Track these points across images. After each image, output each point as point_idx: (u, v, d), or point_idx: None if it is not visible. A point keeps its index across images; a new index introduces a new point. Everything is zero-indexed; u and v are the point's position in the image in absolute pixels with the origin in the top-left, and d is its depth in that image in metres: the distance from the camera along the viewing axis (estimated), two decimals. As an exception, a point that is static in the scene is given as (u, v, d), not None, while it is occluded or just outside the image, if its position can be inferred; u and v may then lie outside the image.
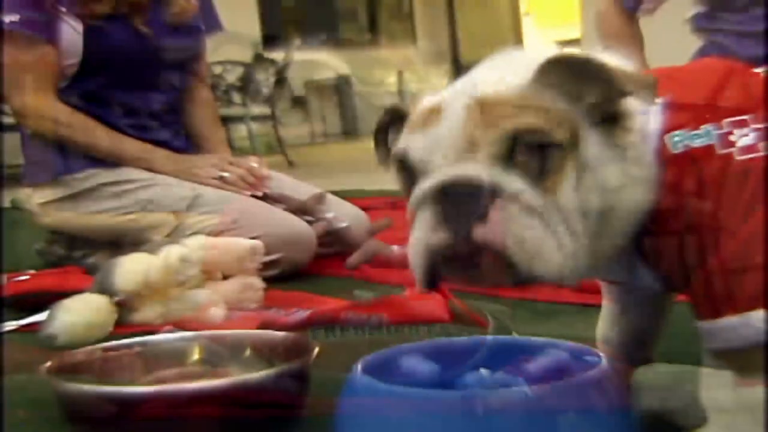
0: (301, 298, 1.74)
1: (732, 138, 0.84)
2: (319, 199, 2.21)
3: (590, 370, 0.87)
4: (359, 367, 0.91)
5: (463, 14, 13.28)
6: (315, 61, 11.58)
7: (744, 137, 0.84)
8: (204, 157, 2.28)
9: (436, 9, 13.36)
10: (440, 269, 0.81)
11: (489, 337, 1.06)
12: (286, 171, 6.58)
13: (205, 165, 2.22)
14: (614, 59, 0.86)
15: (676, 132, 0.85)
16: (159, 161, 2.21)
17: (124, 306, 1.56)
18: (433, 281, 0.83)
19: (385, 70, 11.75)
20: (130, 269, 1.57)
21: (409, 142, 0.83)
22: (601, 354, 0.93)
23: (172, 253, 1.59)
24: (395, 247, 2.14)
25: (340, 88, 12.49)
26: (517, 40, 12.95)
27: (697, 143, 0.84)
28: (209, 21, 2.48)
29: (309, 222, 2.14)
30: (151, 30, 2.23)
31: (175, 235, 1.98)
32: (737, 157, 0.83)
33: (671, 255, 0.87)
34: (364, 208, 2.59)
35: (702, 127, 0.85)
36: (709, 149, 0.84)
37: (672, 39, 3.28)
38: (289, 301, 1.68)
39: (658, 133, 0.86)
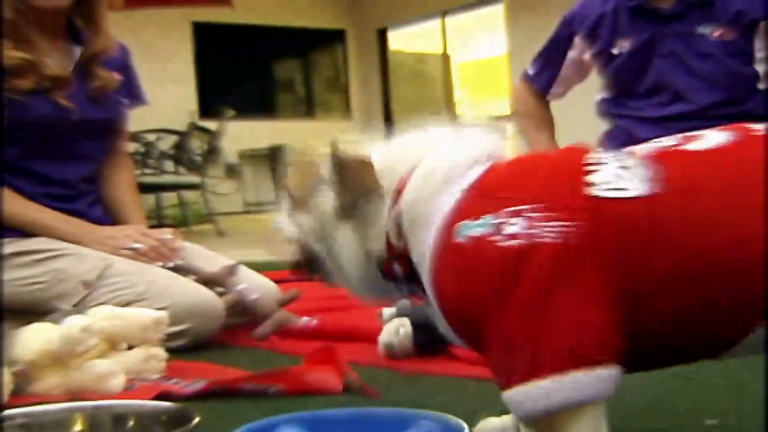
0: (203, 368, 1.77)
1: (503, 226, 0.90)
2: (231, 270, 2.24)
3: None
4: (234, 436, 0.96)
5: (397, 87, 13.52)
6: (250, 131, 11.64)
7: (512, 225, 0.90)
8: (117, 227, 2.30)
9: (371, 82, 13.59)
10: None
11: (365, 410, 1.11)
12: (216, 240, 6.61)
13: (118, 235, 2.24)
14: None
15: (465, 221, 0.93)
16: (72, 231, 2.22)
17: (22, 376, 1.57)
18: None
19: (320, 141, 11.86)
20: (30, 339, 1.58)
21: None
22: (464, 424, 0.99)
23: (73, 323, 1.61)
24: (305, 319, 2.19)
25: (274, 157, 12.55)
26: (450, 113, 13.21)
27: (475, 232, 0.91)
28: (133, 94, 2.51)
29: (220, 293, 2.17)
30: (72, 104, 2.26)
31: (83, 306, 1.99)
32: (498, 244, 0.90)
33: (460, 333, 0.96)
34: (281, 280, 2.63)
35: (482, 216, 0.92)
36: (481, 238, 0.91)
37: (582, 121, 3.42)
38: (190, 371, 1.71)
39: (448, 220, 0.94)
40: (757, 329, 0.88)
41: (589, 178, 0.92)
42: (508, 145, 1.10)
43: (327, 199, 1.04)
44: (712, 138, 0.94)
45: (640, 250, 0.88)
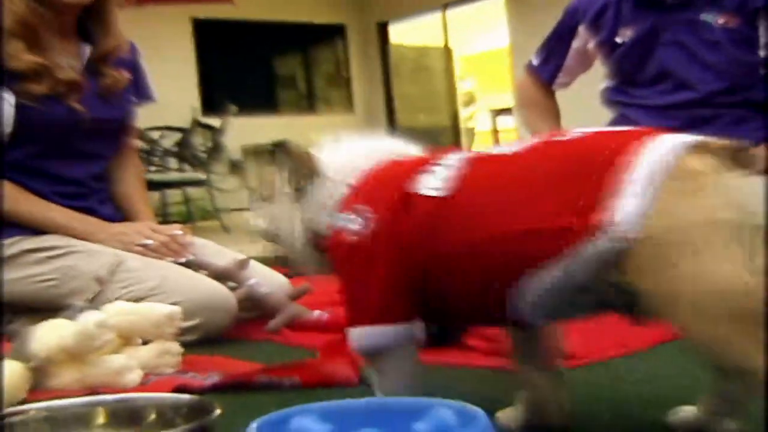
0: (217, 362, 1.78)
1: (348, 224, 1.18)
2: (242, 265, 2.26)
3: (470, 426, 0.95)
4: (254, 426, 0.96)
5: (398, 81, 13.52)
6: (252, 127, 11.64)
7: (351, 222, 1.18)
8: (128, 224, 2.32)
9: (373, 76, 13.58)
10: None
11: (380, 399, 1.12)
12: (221, 236, 6.62)
13: (129, 232, 2.25)
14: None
15: (339, 213, 1.21)
16: (84, 228, 2.24)
17: (40, 371, 1.58)
18: None
19: (322, 136, 11.87)
20: (46, 335, 1.59)
21: None
22: (481, 411, 1.00)
23: (89, 318, 1.62)
24: (316, 312, 2.20)
25: (277, 153, 12.52)
26: (452, 106, 13.20)
27: (338, 223, 1.20)
28: (142, 92, 2.53)
29: (231, 288, 2.19)
30: (84, 105, 2.27)
31: (96, 301, 2.01)
32: (341, 236, 1.18)
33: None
34: (289, 274, 2.64)
35: (345, 211, 1.20)
36: (339, 230, 1.19)
37: (587, 110, 3.43)
38: (204, 365, 1.72)
39: (334, 209, 1.22)
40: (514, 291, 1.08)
41: (423, 177, 1.15)
42: (413, 149, 1.30)
43: (284, 187, 1.30)
44: (520, 143, 1.12)
45: (429, 236, 1.12)
